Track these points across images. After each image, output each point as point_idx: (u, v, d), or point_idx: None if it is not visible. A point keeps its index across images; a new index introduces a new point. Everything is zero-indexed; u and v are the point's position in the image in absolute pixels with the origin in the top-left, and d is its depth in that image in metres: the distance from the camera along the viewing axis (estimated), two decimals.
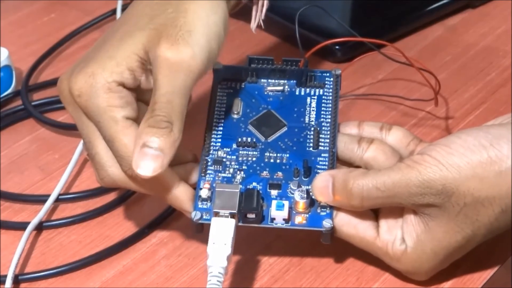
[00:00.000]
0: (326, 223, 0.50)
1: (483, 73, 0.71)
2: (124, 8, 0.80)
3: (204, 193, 0.51)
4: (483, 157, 0.47)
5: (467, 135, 0.48)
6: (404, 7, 0.76)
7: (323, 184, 0.50)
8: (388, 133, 0.55)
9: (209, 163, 0.52)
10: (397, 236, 0.50)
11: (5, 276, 0.52)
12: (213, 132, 0.54)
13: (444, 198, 0.47)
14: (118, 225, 0.58)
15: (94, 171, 0.52)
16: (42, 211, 0.57)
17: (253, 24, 0.59)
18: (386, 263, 0.52)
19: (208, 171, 0.52)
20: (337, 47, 0.71)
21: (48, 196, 0.58)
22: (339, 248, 0.53)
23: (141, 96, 0.51)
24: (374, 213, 0.52)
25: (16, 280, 0.53)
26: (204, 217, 0.50)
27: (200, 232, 0.50)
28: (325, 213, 0.50)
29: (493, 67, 0.71)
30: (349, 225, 0.51)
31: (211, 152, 0.53)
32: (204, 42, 0.50)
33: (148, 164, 0.48)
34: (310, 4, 0.60)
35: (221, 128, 0.54)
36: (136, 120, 0.50)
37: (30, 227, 0.56)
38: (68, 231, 0.57)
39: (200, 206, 0.51)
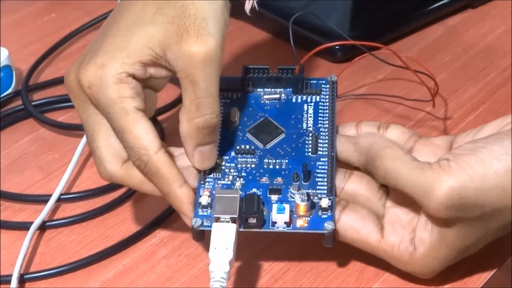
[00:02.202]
0: (328, 225, 0.50)
1: (483, 73, 0.71)
2: None
3: (204, 200, 0.50)
4: (510, 165, 0.46)
5: (493, 144, 0.47)
6: (404, 7, 0.76)
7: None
8: (385, 132, 0.54)
9: (208, 171, 0.52)
10: (403, 238, 0.50)
11: (10, 275, 0.52)
12: None
13: (460, 209, 0.47)
14: (118, 225, 0.58)
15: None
16: (44, 211, 0.57)
17: (247, 6, 0.59)
18: (386, 263, 0.52)
19: (208, 179, 0.52)
20: (337, 47, 0.71)
21: (49, 196, 0.58)
22: (339, 248, 0.53)
23: (146, 84, 0.51)
24: (378, 216, 0.51)
25: (22, 280, 0.53)
26: (205, 224, 0.50)
27: (201, 239, 0.50)
28: (326, 216, 0.50)
29: (493, 67, 0.71)
30: (352, 229, 0.50)
31: None
32: (217, 28, 0.49)
33: (209, 160, 0.51)
34: (307, 8, 0.60)
35: (219, 137, 0.53)
36: (145, 110, 0.50)
37: (33, 227, 0.56)
38: (68, 231, 0.57)
39: (200, 213, 0.50)
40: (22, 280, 0.53)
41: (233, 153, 0.53)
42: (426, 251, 0.49)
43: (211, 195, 0.51)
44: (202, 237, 0.50)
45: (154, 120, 0.66)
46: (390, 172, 0.49)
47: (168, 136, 0.65)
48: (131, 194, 0.60)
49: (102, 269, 0.54)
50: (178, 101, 0.67)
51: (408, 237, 0.50)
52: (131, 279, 0.54)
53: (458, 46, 0.74)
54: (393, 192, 0.52)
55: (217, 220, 0.49)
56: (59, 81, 0.72)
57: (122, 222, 0.58)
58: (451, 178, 0.46)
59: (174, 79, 0.68)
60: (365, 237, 0.50)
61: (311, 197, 0.50)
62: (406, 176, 0.48)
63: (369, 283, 0.53)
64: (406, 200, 0.51)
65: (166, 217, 0.58)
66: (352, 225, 0.50)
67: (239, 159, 0.53)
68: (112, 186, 0.60)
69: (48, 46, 0.75)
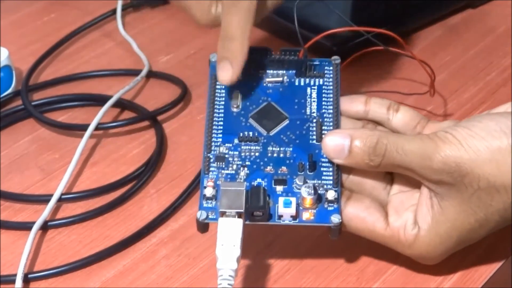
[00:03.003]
0: (334, 218, 0.49)
1: (483, 73, 0.71)
2: (124, 8, 0.80)
3: (209, 191, 0.50)
4: (503, 143, 0.47)
5: (489, 120, 0.48)
6: (404, 7, 0.76)
7: (339, 142, 0.50)
8: (395, 114, 0.54)
9: (212, 160, 0.51)
10: (408, 222, 0.50)
11: (14, 275, 0.52)
12: (214, 128, 0.53)
13: (457, 177, 0.47)
14: (118, 225, 0.58)
15: None
16: (46, 211, 0.57)
17: None
18: (386, 263, 0.52)
19: (211, 168, 0.51)
20: (334, 47, 0.71)
21: (50, 196, 0.58)
22: (340, 248, 0.53)
23: None
24: (382, 205, 0.51)
25: (26, 279, 0.53)
26: (210, 216, 0.49)
27: (205, 231, 0.50)
28: (332, 208, 0.50)
29: (493, 67, 0.71)
30: (358, 219, 0.50)
31: (212, 148, 0.52)
32: None
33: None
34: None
35: (222, 123, 0.53)
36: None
37: (35, 227, 0.55)
38: (68, 231, 0.57)
39: (205, 205, 0.50)
40: (26, 279, 0.53)
41: (236, 140, 0.52)
42: (428, 227, 0.49)
43: (216, 186, 0.50)
44: (207, 229, 0.50)
45: (154, 120, 0.66)
46: (391, 146, 0.49)
47: (168, 136, 0.65)
48: (131, 194, 0.60)
49: (102, 269, 0.54)
50: (178, 101, 0.67)
51: (412, 220, 0.50)
52: (131, 279, 0.54)
53: (458, 46, 0.74)
54: (397, 180, 0.52)
55: (223, 214, 0.48)
56: (59, 81, 0.72)
57: (122, 222, 0.58)
58: (448, 147, 0.48)
59: (172, 78, 0.68)
60: (372, 226, 0.50)
61: (318, 190, 0.50)
62: (406, 146, 0.49)
63: (369, 283, 0.53)
64: (410, 186, 0.52)
65: (166, 217, 0.58)
66: (358, 214, 0.50)
67: (242, 147, 0.52)
68: (112, 186, 0.60)
69: (48, 46, 0.75)
